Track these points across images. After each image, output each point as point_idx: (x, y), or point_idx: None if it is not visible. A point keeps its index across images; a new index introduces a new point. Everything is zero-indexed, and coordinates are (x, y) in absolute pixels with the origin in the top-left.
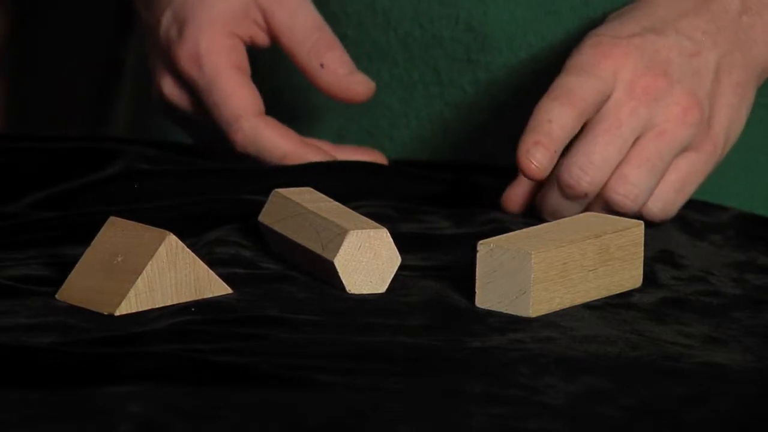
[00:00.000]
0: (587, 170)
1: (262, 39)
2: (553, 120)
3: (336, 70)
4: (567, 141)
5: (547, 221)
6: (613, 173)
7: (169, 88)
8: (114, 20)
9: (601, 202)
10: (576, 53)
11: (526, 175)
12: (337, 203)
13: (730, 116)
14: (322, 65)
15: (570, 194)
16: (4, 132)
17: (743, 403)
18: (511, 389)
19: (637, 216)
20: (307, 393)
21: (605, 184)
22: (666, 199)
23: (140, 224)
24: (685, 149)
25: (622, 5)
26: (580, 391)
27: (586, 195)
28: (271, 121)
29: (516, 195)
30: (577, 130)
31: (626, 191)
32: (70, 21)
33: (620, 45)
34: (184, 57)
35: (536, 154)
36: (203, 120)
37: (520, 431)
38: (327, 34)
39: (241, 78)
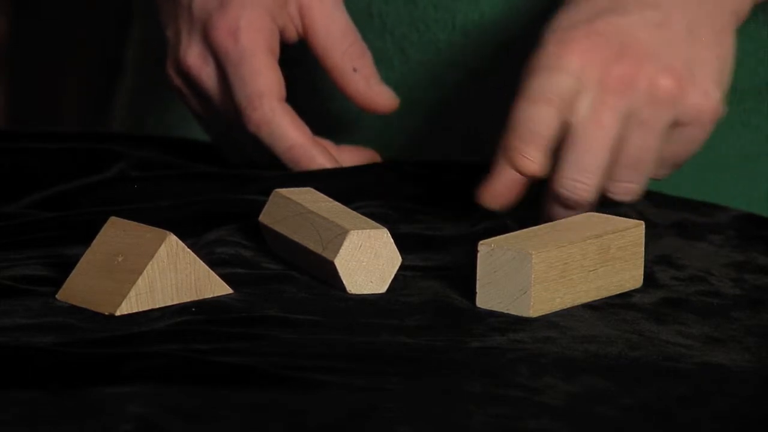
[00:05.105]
0: (580, 178)
1: (290, 34)
2: (532, 118)
3: (368, 77)
4: (551, 138)
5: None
6: (607, 176)
7: (194, 57)
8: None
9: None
10: (540, 52)
11: (521, 172)
12: (337, 203)
13: (718, 68)
14: (355, 69)
15: (570, 205)
16: (3, 131)
17: (743, 404)
18: (511, 389)
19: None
20: (307, 393)
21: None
22: (663, 175)
23: (141, 224)
24: (675, 124)
25: None
26: (579, 391)
27: (586, 201)
28: (289, 110)
29: (495, 190)
30: (557, 128)
31: (625, 190)
32: (69, 19)
33: (580, 36)
34: (222, 28)
35: (525, 150)
36: (218, 94)
37: (519, 431)
38: (360, 41)
39: (272, 61)
